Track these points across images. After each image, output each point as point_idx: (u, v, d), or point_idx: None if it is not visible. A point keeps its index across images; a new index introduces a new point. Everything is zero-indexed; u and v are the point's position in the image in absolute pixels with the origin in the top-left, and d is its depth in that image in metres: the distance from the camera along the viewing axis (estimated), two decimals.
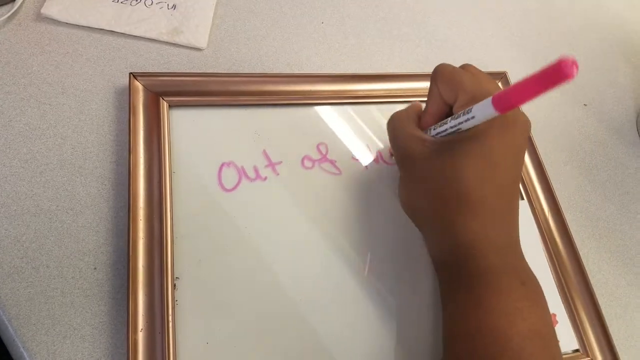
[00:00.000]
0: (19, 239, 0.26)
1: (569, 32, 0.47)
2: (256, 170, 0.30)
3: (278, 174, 0.30)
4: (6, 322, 0.24)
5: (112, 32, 0.34)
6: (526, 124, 0.25)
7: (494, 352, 0.22)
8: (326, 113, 0.34)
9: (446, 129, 0.25)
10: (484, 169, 0.24)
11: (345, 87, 0.34)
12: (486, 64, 0.28)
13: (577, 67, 0.17)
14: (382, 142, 0.34)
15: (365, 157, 0.33)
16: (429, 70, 0.38)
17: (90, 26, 0.33)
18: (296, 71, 0.36)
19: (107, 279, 0.26)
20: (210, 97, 0.31)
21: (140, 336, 0.23)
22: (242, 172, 0.30)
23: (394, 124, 0.29)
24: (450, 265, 0.25)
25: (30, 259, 0.26)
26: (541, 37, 0.46)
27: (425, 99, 0.35)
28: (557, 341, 0.24)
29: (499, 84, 0.33)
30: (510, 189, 0.25)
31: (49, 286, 0.25)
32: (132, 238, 0.25)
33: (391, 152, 0.34)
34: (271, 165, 0.31)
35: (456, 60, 0.40)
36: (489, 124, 0.23)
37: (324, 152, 0.32)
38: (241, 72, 0.35)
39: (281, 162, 0.31)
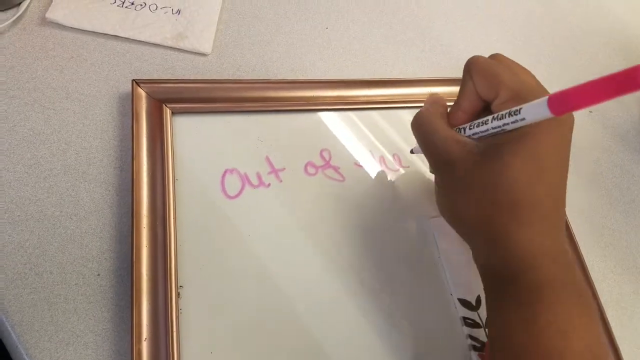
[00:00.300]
0: (23, 244, 0.26)
1: (572, 36, 0.47)
2: (259, 176, 0.30)
3: (281, 181, 0.30)
4: (9, 328, 0.24)
5: (116, 36, 0.34)
6: (572, 122, 0.24)
7: None
8: (329, 119, 0.33)
9: (487, 129, 0.23)
10: (535, 172, 0.22)
11: (348, 93, 0.34)
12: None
13: None
14: (385, 147, 0.34)
15: (369, 163, 0.33)
16: (433, 75, 0.38)
17: (95, 31, 0.33)
18: (300, 76, 0.36)
19: (111, 285, 0.26)
20: (213, 103, 0.31)
21: (145, 345, 0.23)
22: (245, 179, 0.30)
23: (423, 127, 0.26)
24: (501, 276, 0.23)
25: (34, 265, 0.26)
26: (545, 41, 0.46)
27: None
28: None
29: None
30: (560, 192, 0.24)
31: (52, 292, 0.25)
32: (136, 246, 0.25)
33: (396, 158, 0.34)
34: (274, 171, 0.30)
35: (460, 65, 0.40)
36: (536, 123, 0.22)
37: (327, 159, 0.32)
38: (245, 77, 0.35)
39: (284, 168, 0.31)
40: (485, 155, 0.23)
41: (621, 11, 0.51)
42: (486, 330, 0.28)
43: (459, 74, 0.38)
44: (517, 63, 0.25)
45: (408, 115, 0.35)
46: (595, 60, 0.46)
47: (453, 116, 0.26)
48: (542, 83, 0.27)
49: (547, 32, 0.46)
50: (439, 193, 0.27)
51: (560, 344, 0.21)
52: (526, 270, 0.22)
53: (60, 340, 0.24)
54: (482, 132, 0.24)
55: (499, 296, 0.24)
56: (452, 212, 0.26)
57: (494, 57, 0.26)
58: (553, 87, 0.27)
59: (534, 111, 0.21)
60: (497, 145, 0.23)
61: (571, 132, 0.24)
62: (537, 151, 0.22)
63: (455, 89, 0.36)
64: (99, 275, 0.26)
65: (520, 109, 0.21)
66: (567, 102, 0.19)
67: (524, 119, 0.21)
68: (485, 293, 0.25)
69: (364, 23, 0.41)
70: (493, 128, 0.23)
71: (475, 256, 0.26)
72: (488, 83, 0.24)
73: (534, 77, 0.25)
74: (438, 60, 0.40)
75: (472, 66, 0.25)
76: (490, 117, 0.23)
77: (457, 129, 0.26)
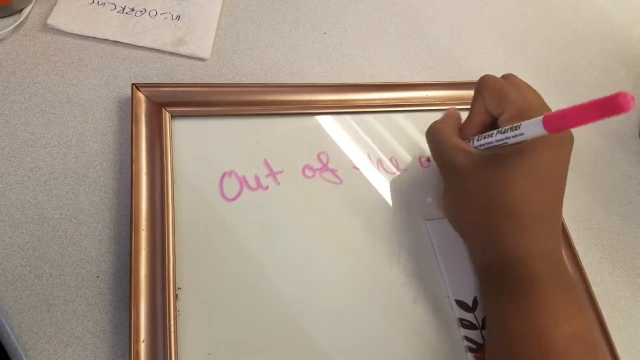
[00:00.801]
0: (23, 247, 0.26)
1: (570, 41, 0.47)
2: (257, 179, 0.30)
3: (279, 184, 0.30)
4: (8, 330, 0.24)
5: (117, 42, 0.34)
6: (571, 139, 0.26)
7: (537, 353, 0.23)
8: (327, 122, 0.34)
9: (491, 142, 0.26)
10: (533, 183, 0.24)
11: (346, 97, 0.35)
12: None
13: (634, 102, 0.18)
14: (382, 151, 0.34)
15: (366, 166, 0.33)
16: (430, 79, 0.38)
17: (96, 37, 0.34)
18: (298, 81, 0.36)
19: (109, 287, 0.26)
20: (212, 107, 0.31)
21: (142, 347, 0.23)
22: (243, 182, 0.30)
23: (436, 135, 0.29)
24: (495, 271, 0.26)
25: (34, 267, 0.26)
26: (543, 46, 0.46)
27: (426, 107, 0.36)
28: (600, 346, 0.25)
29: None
30: (556, 201, 0.26)
31: (51, 294, 0.25)
32: (134, 248, 0.25)
33: (393, 161, 0.34)
34: (272, 174, 0.31)
35: (457, 70, 0.41)
36: (537, 138, 0.24)
37: (324, 162, 0.32)
38: (244, 81, 0.35)
39: (282, 171, 0.31)
40: (488, 164, 0.26)
41: (620, 16, 0.51)
42: (482, 332, 0.28)
43: (454, 78, 0.39)
44: (525, 83, 0.28)
45: (405, 119, 0.36)
46: (593, 64, 0.46)
47: (464, 129, 0.29)
48: (540, 88, 0.28)
49: (545, 37, 0.47)
50: (444, 196, 0.29)
51: (550, 328, 0.23)
52: (519, 267, 0.24)
53: (59, 341, 0.24)
54: (487, 143, 0.26)
55: (493, 289, 0.26)
56: (454, 213, 0.29)
57: (505, 76, 0.28)
58: (551, 92, 0.28)
59: (531, 128, 0.23)
60: (499, 156, 0.25)
61: (570, 149, 0.26)
62: (534, 165, 0.24)
63: (452, 92, 0.37)
64: (97, 277, 0.26)
65: (520, 125, 0.24)
66: (560, 122, 0.21)
67: (522, 134, 0.24)
68: (480, 287, 0.28)
69: (361, 28, 0.41)
70: (497, 141, 0.25)
71: (472, 255, 0.29)
72: (496, 100, 0.26)
73: (539, 96, 0.28)
74: (434, 64, 0.41)
75: (483, 85, 0.27)
76: (495, 131, 0.26)
77: (467, 140, 0.28)
